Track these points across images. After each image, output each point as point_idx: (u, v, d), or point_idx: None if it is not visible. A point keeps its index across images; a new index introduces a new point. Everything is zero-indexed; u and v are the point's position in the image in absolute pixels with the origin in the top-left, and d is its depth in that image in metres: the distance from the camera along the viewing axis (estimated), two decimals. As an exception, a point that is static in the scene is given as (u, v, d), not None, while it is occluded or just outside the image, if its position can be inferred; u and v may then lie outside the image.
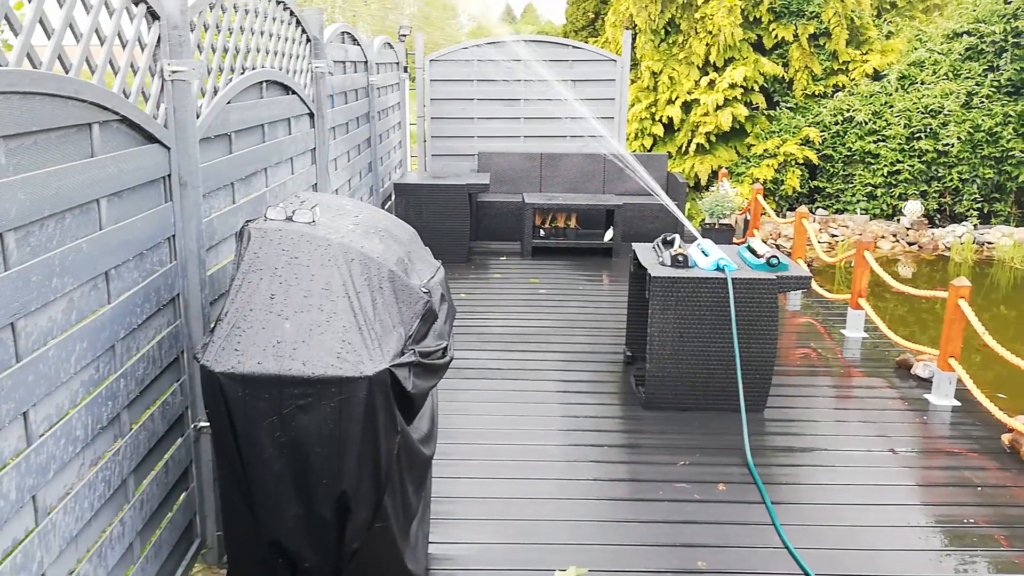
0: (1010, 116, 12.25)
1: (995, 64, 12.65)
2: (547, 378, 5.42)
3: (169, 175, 2.96)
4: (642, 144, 13.53)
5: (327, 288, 2.51)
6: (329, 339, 2.43)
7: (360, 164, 7.21)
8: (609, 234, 8.82)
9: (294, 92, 4.61)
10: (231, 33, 3.64)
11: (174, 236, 3.03)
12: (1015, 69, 12.30)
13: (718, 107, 12.77)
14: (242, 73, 3.75)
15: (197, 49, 3.25)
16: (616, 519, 3.78)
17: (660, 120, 13.40)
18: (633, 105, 13.51)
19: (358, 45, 7.13)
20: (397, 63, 9.70)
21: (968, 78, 12.74)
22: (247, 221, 2.73)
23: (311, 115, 5.05)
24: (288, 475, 2.47)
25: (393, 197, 8.58)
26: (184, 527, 3.18)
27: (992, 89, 12.49)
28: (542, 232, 8.98)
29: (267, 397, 2.39)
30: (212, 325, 3.16)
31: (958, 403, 5.14)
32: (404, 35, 10.73)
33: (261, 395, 2.39)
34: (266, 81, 4.09)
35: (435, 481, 3.82)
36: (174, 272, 3.03)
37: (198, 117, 3.16)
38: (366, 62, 7.48)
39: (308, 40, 5.04)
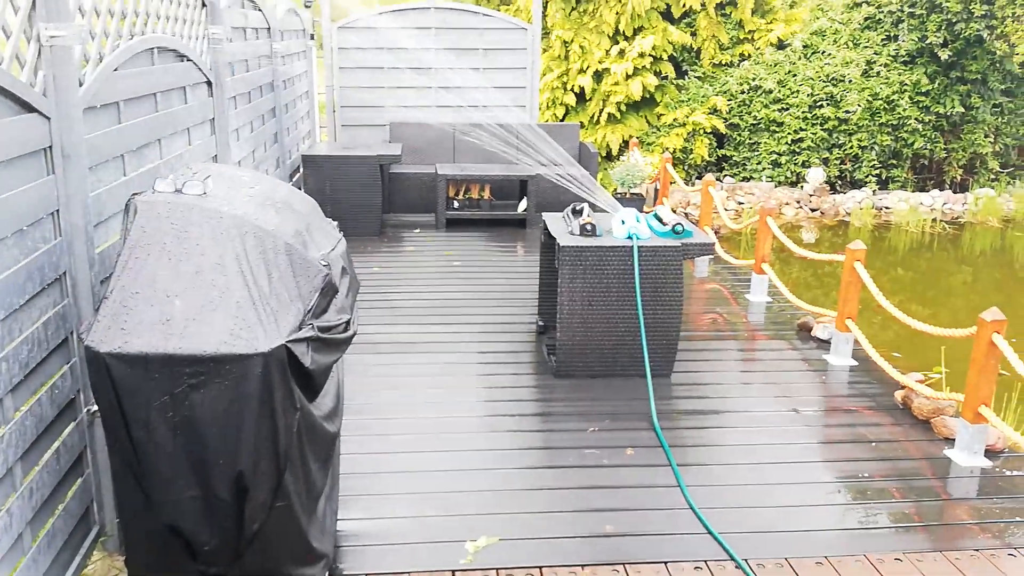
0: (906, 85, 12.68)
1: (892, 34, 13.06)
2: (462, 350, 5.40)
3: (50, 146, 2.81)
4: (554, 114, 13.52)
5: (219, 263, 2.43)
6: (222, 316, 2.35)
7: (265, 135, 7.01)
8: (523, 205, 8.81)
9: (189, 59, 4.43)
10: (116, -3, 3.46)
11: (58, 211, 2.88)
12: (911, 40, 12.72)
13: (628, 76, 12.84)
14: (130, 39, 3.58)
15: (79, 12, 3.08)
16: (528, 487, 3.81)
17: (572, 89, 13.39)
18: (545, 74, 13.46)
19: (260, 11, 6.89)
20: (303, 30, 9.43)
21: (867, 47, 13.13)
22: (134, 194, 2.61)
23: (209, 83, 4.86)
24: (183, 456, 2.39)
25: (301, 169, 8.38)
26: (80, 515, 3.06)
27: (890, 58, 12.90)
28: (456, 204, 8.90)
29: (157, 377, 2.30)
30: (97, 304, 3.03)
31: (855, 363, 5.33)
32: (311, 2, 10.43)
33: (151, 375, 2.30)
34: (157, 47, 3.91)
35: (346, 457, 3.77)
36: (59, 249, 2.89)
37: (81, 85, 3.00)
38: (268, 28, 7.25)
39: (204, 5, 4.84)
